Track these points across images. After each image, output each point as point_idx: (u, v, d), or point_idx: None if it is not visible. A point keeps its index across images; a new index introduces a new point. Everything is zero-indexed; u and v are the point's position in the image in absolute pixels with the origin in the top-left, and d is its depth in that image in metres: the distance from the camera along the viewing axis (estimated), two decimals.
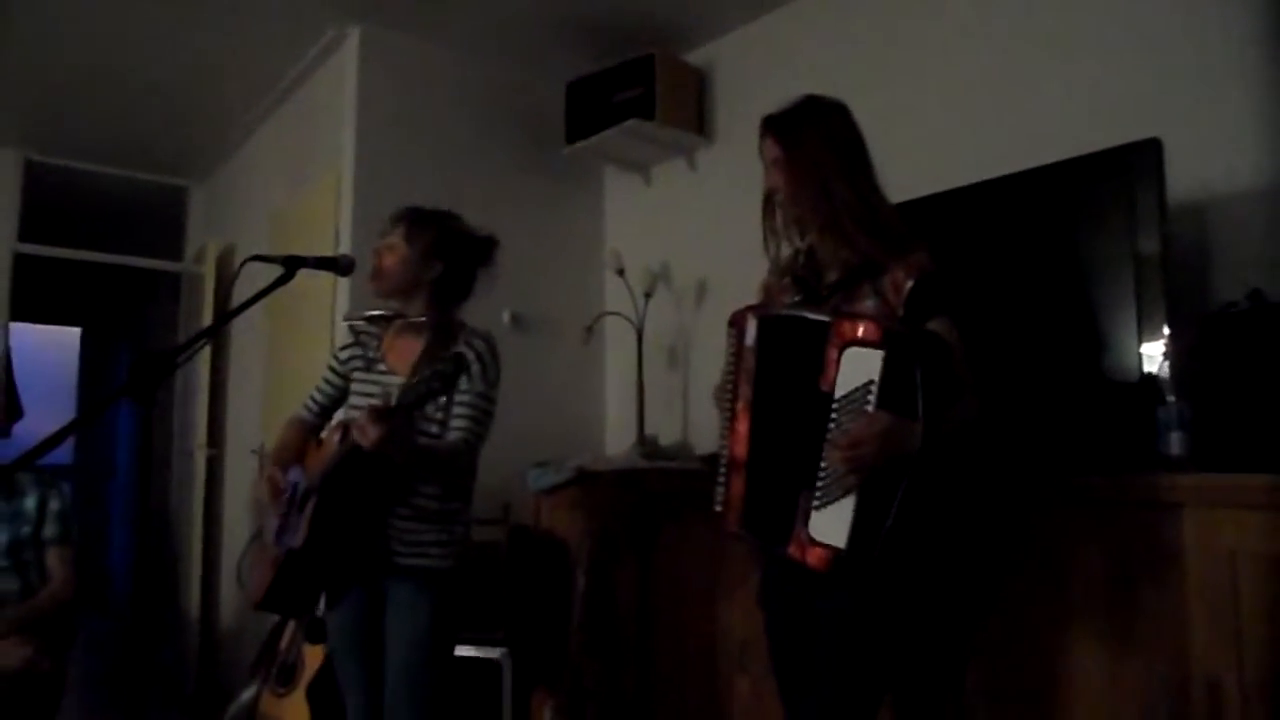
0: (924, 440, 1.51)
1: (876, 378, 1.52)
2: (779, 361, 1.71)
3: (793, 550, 1.60)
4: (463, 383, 2.08)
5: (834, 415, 1.56)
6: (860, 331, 1.55)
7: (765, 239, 1.87)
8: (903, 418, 1.51)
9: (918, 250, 1.73)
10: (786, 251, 1.88)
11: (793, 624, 1.79)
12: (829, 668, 1.67)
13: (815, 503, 1.58)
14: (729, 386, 1.77)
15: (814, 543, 1.57)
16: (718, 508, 1.78)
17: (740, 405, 1.74)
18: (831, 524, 1.55)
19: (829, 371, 1.58)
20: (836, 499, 1.55)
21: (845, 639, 1.66)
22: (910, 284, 1.69)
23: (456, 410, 2.10)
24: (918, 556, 1.67)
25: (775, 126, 1.81)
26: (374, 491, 2.04)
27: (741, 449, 1.73)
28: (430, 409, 2.07)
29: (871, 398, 1.52)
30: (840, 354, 1.56)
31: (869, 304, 1.72)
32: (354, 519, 2.05)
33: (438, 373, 1.81)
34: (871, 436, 1.51)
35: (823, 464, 1.57)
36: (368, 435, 1.81)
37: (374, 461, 1.94)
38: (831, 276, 1.80)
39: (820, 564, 1.56)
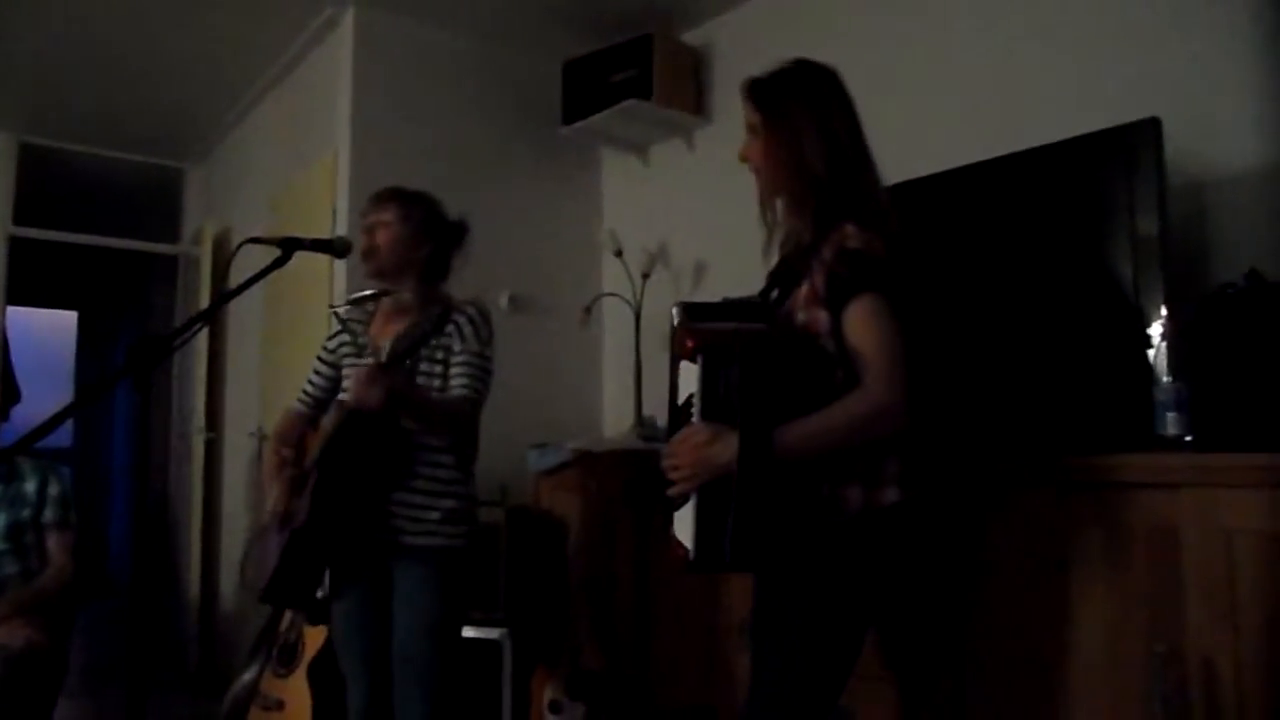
0: (747, 447, 1.46)
1: (695, 390, 1.53)
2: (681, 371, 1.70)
3: (673, 545, 1.63)
4: (456, 344, 2.10)
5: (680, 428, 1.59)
6: (688, 344, 1.55)
7: (762, 215, 1.76)
8: (724, 426, 1.49)
9: (846, 224, 1.57)
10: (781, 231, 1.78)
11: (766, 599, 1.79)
12: (786, 639, 1.63)
13: (674, 506, 1.62)
14: None
15: (676, 541, 1.61)
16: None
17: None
18: (683, 527, 1.58)
19: (673, 385, 1.63)
20: (682, 505, 1.58)
21: (804, 620, 1.61)
22: (830, 260, 1.57)
23: (455, 370, 2.11)
24: (824, 549, 1.59)
25: (756, 91, 1.71)
26: (375, 461, 2.02)
27: None
28: (425, 379, 2.08)
29: (694, 411, 1.53)
30: (677, 368, 1.60)
31: (804, 289, 1.62)
32: (355, 491, 2.01)
33: (423, 319, 1.83)
34: (683, 450, 1.52)
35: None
36: (370, 396, 1.80)
37: (373, 427, 1.93)
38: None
39: (679, 562, 1.58)
